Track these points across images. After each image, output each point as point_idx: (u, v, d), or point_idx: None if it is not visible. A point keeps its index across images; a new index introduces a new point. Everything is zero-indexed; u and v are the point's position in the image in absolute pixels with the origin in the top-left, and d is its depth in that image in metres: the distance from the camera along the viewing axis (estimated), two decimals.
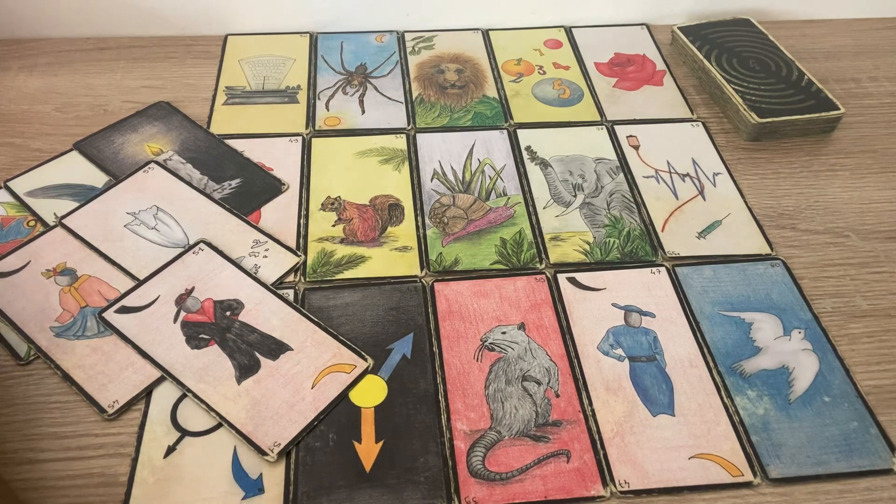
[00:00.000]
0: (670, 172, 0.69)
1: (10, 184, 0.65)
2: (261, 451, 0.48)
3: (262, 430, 0.49)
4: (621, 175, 0.69)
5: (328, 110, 0.75)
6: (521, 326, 0.56)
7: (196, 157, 0.69)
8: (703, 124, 0.74)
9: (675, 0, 0.87)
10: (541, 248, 0.62)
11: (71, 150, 0.69)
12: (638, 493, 0.48)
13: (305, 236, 0.62)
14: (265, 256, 0.60)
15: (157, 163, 0.67)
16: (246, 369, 0.53)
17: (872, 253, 0.63)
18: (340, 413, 0.51)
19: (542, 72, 0.80)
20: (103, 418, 0.50)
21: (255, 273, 0.58)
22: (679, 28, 0.83)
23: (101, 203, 0.63)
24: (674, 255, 0.62)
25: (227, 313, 0.56)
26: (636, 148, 0.72)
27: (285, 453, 0.49)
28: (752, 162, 0.71)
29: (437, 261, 0.61)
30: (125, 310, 0.56)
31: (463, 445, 0.49)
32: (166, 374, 0.52)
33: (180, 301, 0.56)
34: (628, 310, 0.58)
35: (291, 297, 0.57)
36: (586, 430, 0.50)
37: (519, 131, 0.73)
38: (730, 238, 0.63)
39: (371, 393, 0.52)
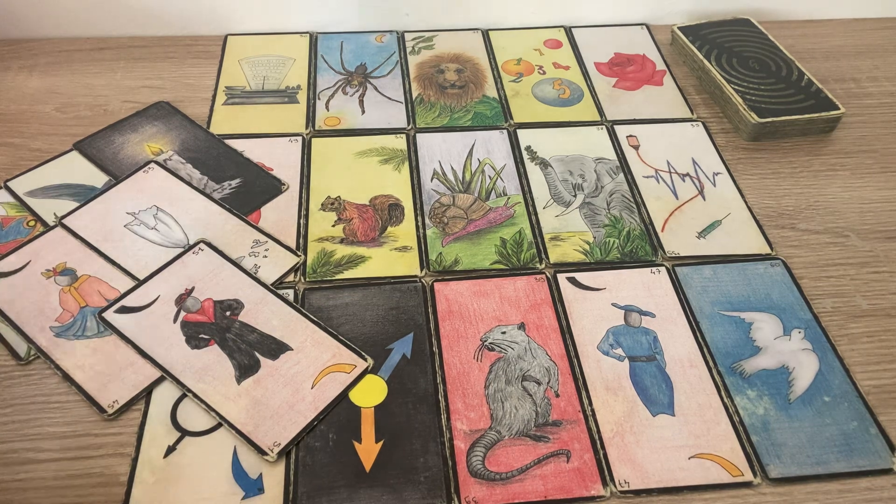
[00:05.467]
0: (670, 172, 0.69)
1: (10, 184, 0.65)
2: (261, 451, 0.48)
3: (261, 430, 0.49)
4: (621, 175, 0.69)
5: (328, 110, 0.75)
6: (521, 326, 0.56)
7: (196, 157, 0.69)
8: (703, 124, 0.74)
9: (675, 0, 0.87)
10: (541, 247, 0.62)
11: (71, 150, 0.69)
12: (638, 492, 0.48)
13: (305, 236, 0.62)
14: (265, 256, 0.60)
15: (157, 163, 0.67)
16: (246, 369, 0.53)
17: (872, 253, 0.63)
18: (340, 413, 0.51)
19: (542, 72, 0.80)
20: (103, 418, 0.50)
21: (255, 273, 0.58)
22: (679, 28, 0.83)
23: (101, 203, 0.63)
24: (674, 255, 0.62)
25: (227, 313, 0.56)
26: (636, 148, 0.72)
27: (285, 453, 0.49)
28: (752, 162, 0.71)
29: (437, 261, 0.61)
30: (125, 310, 0.56)
31: (463, 445, 0.49)
32: (166, 374, 0.52)
33: (180, 301, 0.56)
34: (628, 310, 0.58)
35: (291, 297, 0.57)
36: (586, 429, 0.50)
37: (519, 131, 0.73)
38: (730, 238, 0.63)
39: (371, 393, 0.52)
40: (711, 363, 0.54)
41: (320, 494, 0.47)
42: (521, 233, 0.63)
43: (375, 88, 0.78)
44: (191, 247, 0.60)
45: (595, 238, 0.63)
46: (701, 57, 0.79)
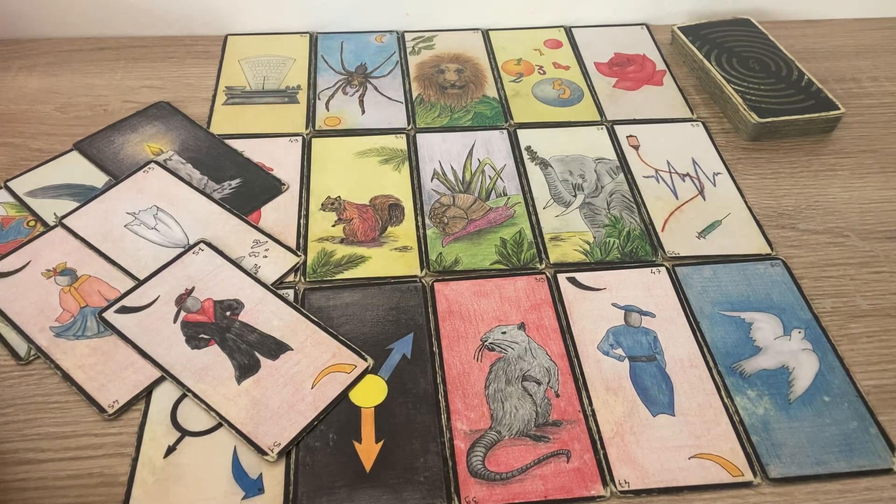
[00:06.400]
0: (670, 172, 0.69)
1: (10, 184, 0.65)
2: (261, 451, 0.48)
3: (262, 430, 0.49)
4: (621, 175, 0.69)
5: (328, 110, 0.75)
6: (521, 326, 0.56)
7: (196, 157, 0.69)
8: (703, 124, 0.74)
9: (675, 0, 0.87)
10: (541, 248, 0.62)
11: (71, 150, 0.69)
12: (638, 492, 0.48)
13: (305, 236, 0.62)
14: (265, 256, 0.60)
15: (157, 163, 0.67)
16: (246, 369, 0.53)
17: (872, 253, 0.63)
18: (340, 413, 0.51)
19: (542, 72, 0.80)
20: (103, 418, 0.50)
21: (255, 273, 0.58)
22: (679, 28, 0.83)
23: (101, 203, 0.63)
24: (674, 255, 0.62)
25: (227, 313, 0.56)
26: (636, 148, 0.72)
27: (285, 453, 0.49)
28: (752, 162, 0.71)
29: (437, 261, 0.61)
30: (125, 310, 0.56)
31: (463, 445, 0.49)
32: (166, 374, 0.52)
33: (180, 301, 0.56)
34: (628, 310, 0.58)
35: (291, 297, 0.57)
36: (586, 429, 0.50)
37: (519, 131, 0.73)
38: (730, 238, 0.63)
39: (371, 393, 0.52)
40: (711, 363, 0.54)
41: (320, 494, 0.47)
42: (521, 233, 0.63)
43: (375, 88, 0.78)
44: (191, 247, 0.60)
45: (595, 238, 0.63)
46: (701, 57, 0.79)
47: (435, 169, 0.69)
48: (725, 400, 0.52)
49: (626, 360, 0.54)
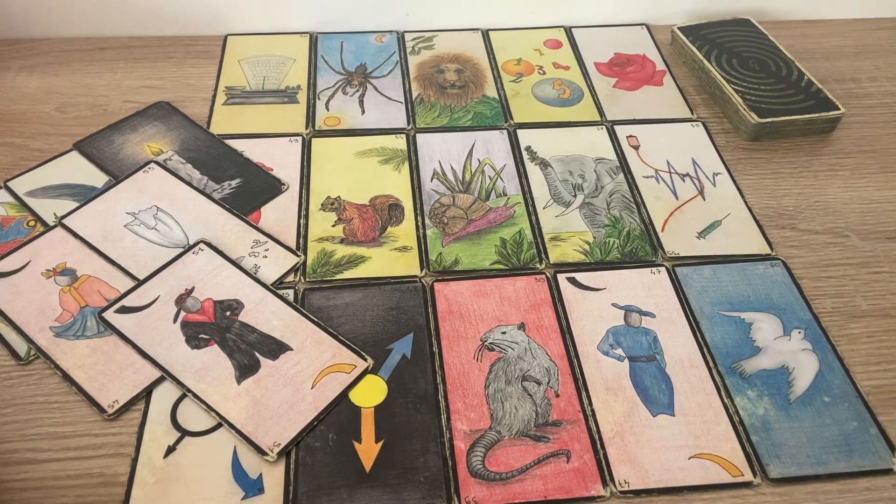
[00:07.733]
0: (670, 172, 0.69)
1: (10, 184, 0.65)
2: (261, 451, 0.48)
3: (261, 430, 0.49)
4: (621, 175, 0.69)
5: (328, 110, 0.75)
6: (521, 326, 0.56)
7: (196, 157, 0.69)
8: (703, 124, 0.74)
9: (675, 0, 0.87)
10: (541, 248, 0.62)
11: (71, 150, 0.69)
12: (638, 492, 0.48)
13: (305, 236, 0.62)
14: (265, 256, 0.60)
15: (157, 163, 0.67)
16: (246, 369, 0.53)
17: (872, 253, 0.63)
18: (340, 413, 0.51)
19: (541, 72, 0.80)
20: (103, 418, 0.50)
21: (255, 273, 0.58)
22: (679, 28, 0.83)
23: (101, 203, 0.63)
24: (674, 255, 0.62)
25: (227, 313, 0.56)
26: (636, 148, 0.72)
27: (285, 453, 0.49)
28: (751, 162, 0.71)
29: (437, 261, 0.61)
30: (125, 310, 0.56)
31: (463, 445, 0.49)
32: (166, 374, 0.52)
33: (180, 301, 0.56)
34: (628, 310, 0.58)
35: (291, 297, 0.57)
36: (586, 430, 0.50)
37: (519, 131, 0.73)
38: (730, 238, 0.63)
39: (371, 393, 0.52)
40: (711, 363, 0.54)
41: (320, 494, 0.47)
42: (521, 233, 0.63)
43: (375, 88, 0.78)
44: (191, 247, 0.60)
45: (595, 238, 0.63)
46: (701, 57, 0.79)
47: (435, 169, 0.69)
48: (725, 400, 0.52)
49: (626, 360, 0.54)
